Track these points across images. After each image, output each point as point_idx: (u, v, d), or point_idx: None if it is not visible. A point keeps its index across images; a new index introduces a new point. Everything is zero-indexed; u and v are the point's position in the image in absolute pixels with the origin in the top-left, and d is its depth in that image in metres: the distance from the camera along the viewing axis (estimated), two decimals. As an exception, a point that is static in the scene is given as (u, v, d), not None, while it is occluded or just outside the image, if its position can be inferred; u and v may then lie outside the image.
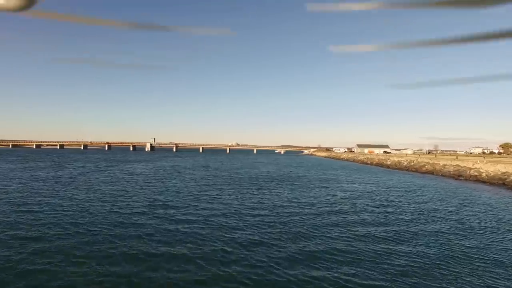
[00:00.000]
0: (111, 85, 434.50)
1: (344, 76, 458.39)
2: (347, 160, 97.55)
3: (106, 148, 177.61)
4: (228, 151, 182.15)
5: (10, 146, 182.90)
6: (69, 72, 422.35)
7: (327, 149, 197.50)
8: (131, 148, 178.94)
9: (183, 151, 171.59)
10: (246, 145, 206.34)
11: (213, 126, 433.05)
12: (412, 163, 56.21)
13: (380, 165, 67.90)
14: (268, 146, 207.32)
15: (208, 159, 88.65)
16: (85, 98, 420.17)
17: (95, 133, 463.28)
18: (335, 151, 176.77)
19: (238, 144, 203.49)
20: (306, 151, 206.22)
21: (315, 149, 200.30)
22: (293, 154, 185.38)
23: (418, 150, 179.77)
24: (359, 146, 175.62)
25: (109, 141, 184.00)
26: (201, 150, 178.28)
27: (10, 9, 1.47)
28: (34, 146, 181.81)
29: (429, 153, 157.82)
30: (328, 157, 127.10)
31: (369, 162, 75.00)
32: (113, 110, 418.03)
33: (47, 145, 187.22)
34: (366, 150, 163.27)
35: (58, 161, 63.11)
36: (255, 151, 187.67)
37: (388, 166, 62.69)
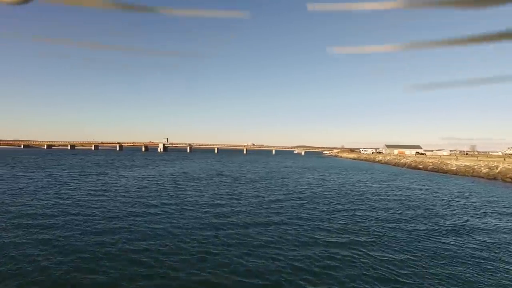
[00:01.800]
0: (123, 85, 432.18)
1: (363, 76, 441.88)
2: (387, 163, 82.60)
3: (118, 149, 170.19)
4: (245, 152, 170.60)
5: (22, 146, 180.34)
6: (85, 72, 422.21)
7: (351, 150, 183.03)
8: (143, 149, 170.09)
9: (197, 152, 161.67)
10: (262, 146, 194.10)
11: (228, 126, 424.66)
12: (497, 170, 42.12)
13: (436, 170, 53.91)
14: (286, 147, 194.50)
15: (224, 162, 77.08)
16: (98, 98, 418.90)
17: (108, 133, 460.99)
18: (362, 152, 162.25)
19: (254, 145, 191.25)
20: (326, 152, 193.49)
21: (338, 150, 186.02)
22: (313, 155, 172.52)
23: (451, 151, 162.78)
24: (388, 146, 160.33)
25: (121, 141, 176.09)
26: (216, 151, 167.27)
27: (10, 1, 1.37)
28: (45, 147, 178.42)
29: (466, 154, 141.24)
30: (358, 159, 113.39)
31: (420, 166, 60.47)
32: (125, 110, 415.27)
33: (59, 145, 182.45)
34: (396, 151, 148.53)
35: (30, 164, 52.63)
36: (273, 152, 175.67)
37: (455, 173, 48.46)
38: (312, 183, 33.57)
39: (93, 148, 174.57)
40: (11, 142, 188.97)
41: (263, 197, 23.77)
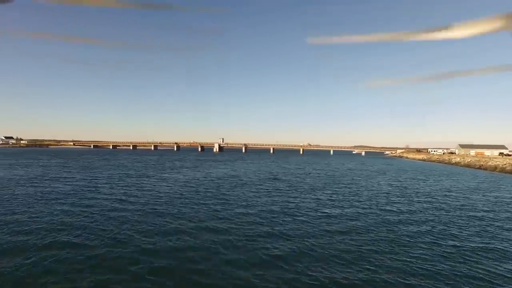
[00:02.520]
0: (181, 86, 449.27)
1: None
2: (468, 166, 68.67)
3: (175, 149, 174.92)
4: (301, 152, 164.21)
5: (92, 146, 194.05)
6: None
7: (418, 150, 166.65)
8: (199, 149, 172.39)
9: (252, 152, 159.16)
10: (319, 146, 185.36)
11: (284, 126, 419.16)
12: None
13: None
14: (344, 147, 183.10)
15: (279, 163, 72.37)
16: (157, 100, 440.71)
17: (166, 134, 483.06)
18: (431, 152, 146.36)
19: (310, 145, 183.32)
20: (388, 152, 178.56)
21: (402, 150, 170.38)
22: (374, 155, 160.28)
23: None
24: (463, 146, 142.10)
25: (178, 141, 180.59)
26: (271, 151, 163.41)
27: None
28: (111, 147, 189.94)
29: None
30: (429, 161, 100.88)
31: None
32: (183, 111, 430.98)
33: (123, 145, 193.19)
34: (472, 152, 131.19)
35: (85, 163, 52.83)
36: (331, 152, 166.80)
37: None
38: (391, 192, 27.12)
39: (152, 148, 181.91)
40: (83, 143, 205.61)
41: (328, 213, 18.16)
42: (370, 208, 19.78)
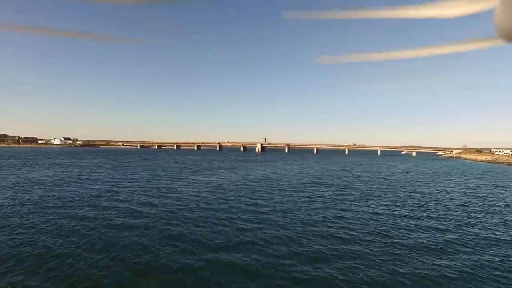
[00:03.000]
0: (222, 85, 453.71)
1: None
2: None
3: (218, 149, 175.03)
4: (346, 152, 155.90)
5: (139, 147, 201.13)
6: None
7: (478, 151, 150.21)
8: (242, 149, 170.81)
9: (295, 152, 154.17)
10: (365, 146, 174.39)
11: (328, 125, 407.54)
12: None
13: None
14: (392, 146, 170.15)
15: (323, 164, 67.14)
16: (201, 101, 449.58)
17: (210, 134, 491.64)
18: (495, 153, 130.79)
19: (355, 144, 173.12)
20: (441, 153, 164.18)
21: (459, 151, 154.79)
22: (426, 156, 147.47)
23: None
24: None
25: (220, 141, 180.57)
26: (315, 151, 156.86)
27: None
28: (156, 147, 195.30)
29: None
30: (494, 162, 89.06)
31: None
32: (228, 114, 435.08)
33: (168, 145, 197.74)
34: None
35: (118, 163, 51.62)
36: (379, 153, 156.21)
37: None
38: (467, 204, 21.30)
39: (195, 148, 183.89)
40: (131, 143, 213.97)
41: (391, 235, 13.52)
42: (448, 229, 14.74)
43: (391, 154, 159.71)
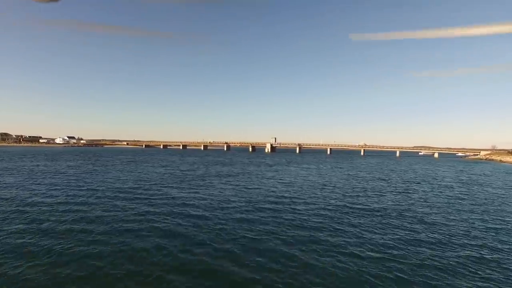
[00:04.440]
0: (240, 81, 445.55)
1: None
2: None
3: (225, 149, 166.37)
4: (362, 153, 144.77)
5: (144, 146, 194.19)
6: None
7: (510, 152, 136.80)
8: (250, 149, 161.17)
9: (307, 153, 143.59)
10: (383, 146, 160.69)
11: (339, 125, 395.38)
12: None
13: None
14: (409, 147, 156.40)
15: (342, 167, 56.75)
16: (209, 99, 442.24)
17: (217, 134, 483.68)
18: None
19: (365, 145, 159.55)
20: (460, 154, 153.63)
21: (488, 152, 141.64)
22: (447, 157, 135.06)
23: None
24: None
25: (228, 141, 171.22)
26: (328, 152, 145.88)
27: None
28: (162, 147, 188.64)
29: None
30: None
31: None
32: (235, 113, 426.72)
33: (174, 145, 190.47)
34: None
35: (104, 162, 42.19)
36: (397, 154, 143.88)
37: None
38: None
39: (202, 148, 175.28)
40: (136, 142, 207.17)
41: None
42: None
43: (410, 156, 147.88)
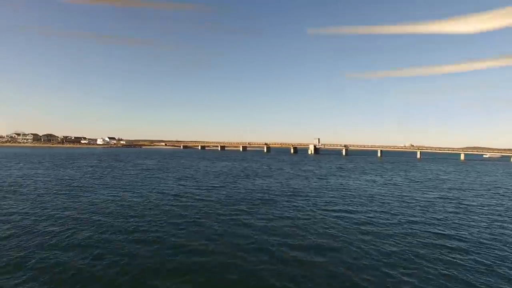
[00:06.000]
0: (269, 82, 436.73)
1: None
2: None
3: (265, 150, 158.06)
4: (419, 156, 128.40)
5: (182, 147, 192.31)
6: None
7: None
8: (292, 150, 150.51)
9: (354, 155, 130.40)
10: (431, 148, 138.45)
11: (387, 124, 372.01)
12: None
13: None
14: (470, 148, 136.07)
15: (409, 179, 45.17)
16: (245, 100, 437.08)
17: (255, 134, 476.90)
18: None
19: (412, 145, 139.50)
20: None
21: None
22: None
23: None
24: None
25: (268, 141, 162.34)
26: (379, 154, 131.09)
27: None
28: (199, 147, 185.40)
29: None
30: None
31: None
32: (274, 113, 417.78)
33: (212, 145, 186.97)
34: None
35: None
36: (462, 157, 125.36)
37: None
38: None
39: (241, 149, 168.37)
40: (174, 143, 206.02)
41: None
42: None
43: (473, 159, 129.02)
